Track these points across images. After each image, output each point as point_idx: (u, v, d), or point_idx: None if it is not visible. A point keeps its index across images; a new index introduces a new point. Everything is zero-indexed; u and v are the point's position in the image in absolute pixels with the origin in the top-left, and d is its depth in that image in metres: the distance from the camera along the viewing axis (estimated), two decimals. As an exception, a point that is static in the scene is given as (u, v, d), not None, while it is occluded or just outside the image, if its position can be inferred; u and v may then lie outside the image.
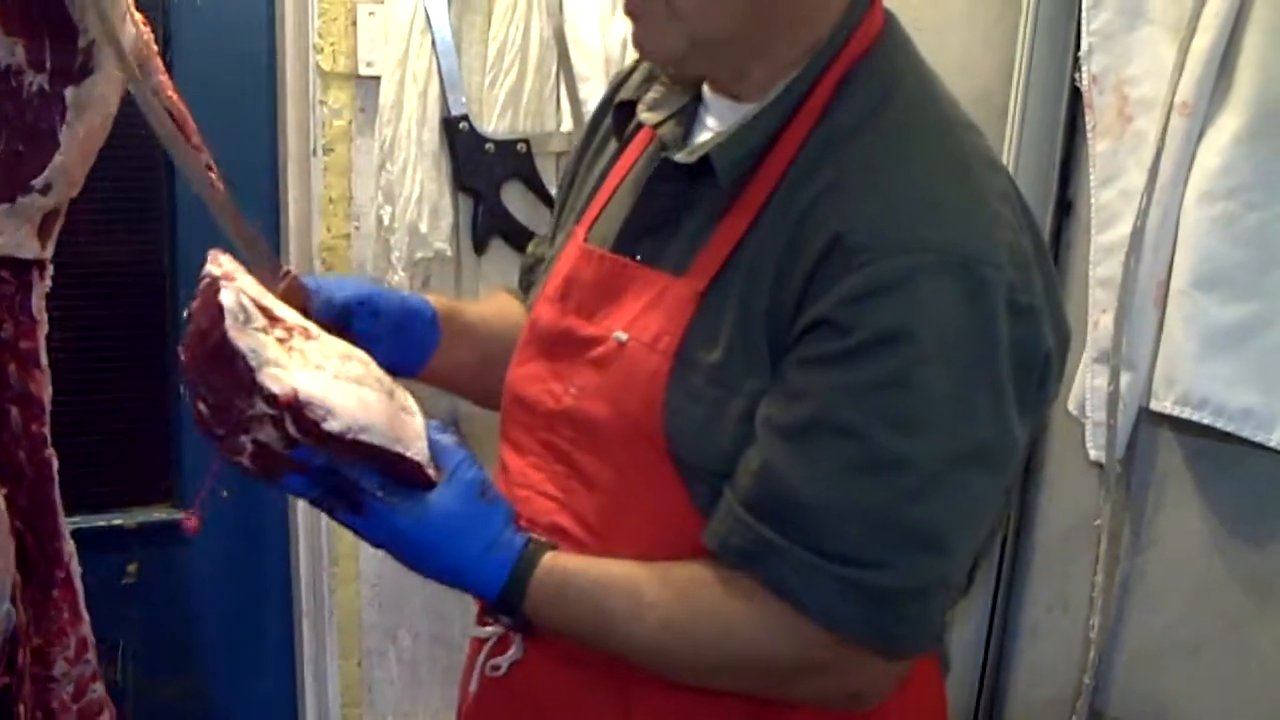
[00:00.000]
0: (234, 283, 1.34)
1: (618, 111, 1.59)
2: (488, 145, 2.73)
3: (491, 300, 1.81)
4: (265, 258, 1.48)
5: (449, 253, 2.72)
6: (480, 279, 2.79)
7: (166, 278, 2.69)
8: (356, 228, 2.73)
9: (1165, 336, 1.82)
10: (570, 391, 1.45)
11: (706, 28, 1.34)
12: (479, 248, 2.78)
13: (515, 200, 2.81)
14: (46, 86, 1.72)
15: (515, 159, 2.77)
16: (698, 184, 1.40)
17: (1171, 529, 1.87)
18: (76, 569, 1.84)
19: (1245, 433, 1.74)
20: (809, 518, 1.28)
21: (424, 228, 2.66)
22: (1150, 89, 1.90)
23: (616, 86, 1.65)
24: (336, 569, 2.81)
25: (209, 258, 1.38)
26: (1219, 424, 1.75)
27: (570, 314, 1.49)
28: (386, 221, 2.66)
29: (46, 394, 1.74)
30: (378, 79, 2.69)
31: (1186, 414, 1.77)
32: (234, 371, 1.27)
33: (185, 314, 1.36)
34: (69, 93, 1.73)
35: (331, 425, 1.27)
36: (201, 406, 1.30)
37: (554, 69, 2.79)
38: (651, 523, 1.41)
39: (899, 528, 1.28)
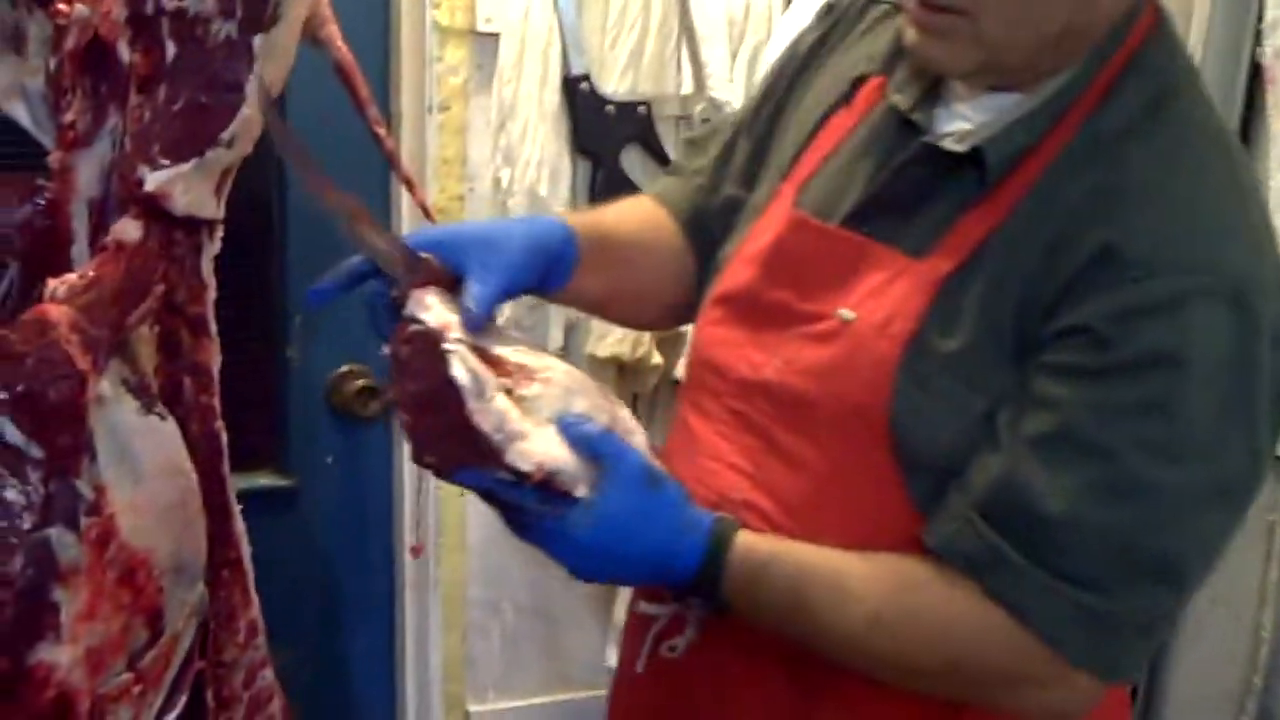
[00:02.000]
0: (453, 338, 1.33)
1: (838, 55, 1.60)
2: (608, 107, 2.72)
3: (636, 213, 1.76)
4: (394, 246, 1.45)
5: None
6: (596, 245, 2.78)
7: (276, 232, 2.67)
8: (471, 189, 2.72)
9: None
10: (775, 364, 1.45)
11: (1008, 52, 1.34)
12: (597, 213, 2.77)
13: (634, 165, 2.80)
14: (235, 35, 1.71)
15: (635, 122, 2.76)
16: (949, 169, 1.40)
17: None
18: (247, 549, 1.84)
19: None
20: (1049, 534, 1.29)
21: (543, 191, 2.66)
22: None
23: (828, 29, 1.65)
24: (443, 540, 2.82)
25: (413, 300, 1.38)
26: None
27: (782, 284, 1.48)
28: (505, 184, 2.66)
29: (216, 363, 1.74)
30: (496, 36, 2.68)
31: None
32: (477, 448, 1.29)
33: (388, 354, 1.37)
34: (257, 41, 1.72)
35: (580, 491, 1.31)
36: (428, 459, 1.33)
37: (675, 29, 2.78)
38: (860, 511, 1.41)
39: (1139, 556, 1.28)
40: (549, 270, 1.51)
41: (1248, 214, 1.35)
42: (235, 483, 1.81)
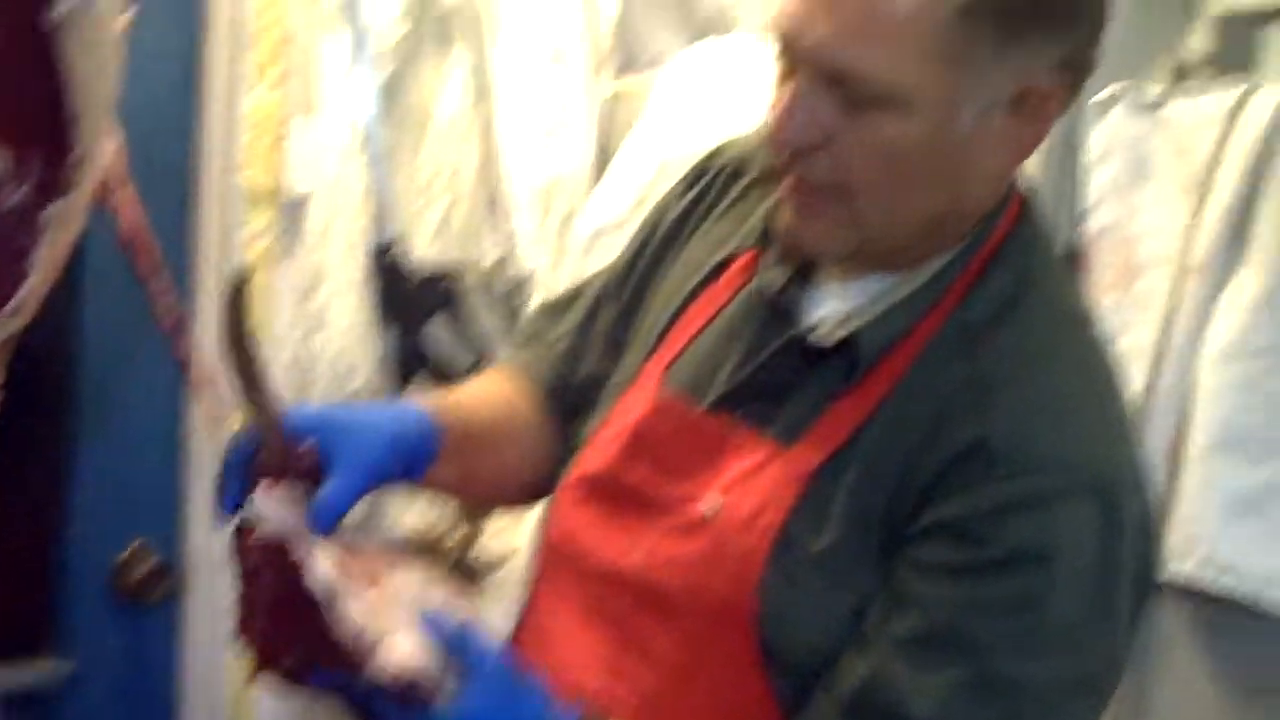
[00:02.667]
0: (303, 542, 1.27)
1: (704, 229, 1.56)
2: (416, 275, 2.69)
3: (496, 393, 1.68)
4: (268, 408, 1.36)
5: (375, 387, 2.66)
6: (402, 416, 2.74)
7: (63, 394, 2.56)
8: (273, 359, 2.65)
9: (1182, 500, 1.86)
10: (637, 553, 1.40)
11: (884, 235, 1.33)
12: (403, 383, 2.73)
13: (440, 334, 2.76)
14: (28, 201, 1.64)
15: (444, 290, 2.74)
16: (819, 357, 1.37)
17: (1174, 698, 1.90)
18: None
19: (1265, 599, 1.78)
20: None
21: (351, 360, 2.61)
22: (1158, 246, 1.97)
23: (695, 198, 1.62)
24: (235, 732, 2.69)
25: (261, 499, 1.30)
26: (1239, 590, 1.79)
27: (644, 468, 1.43)
28: (314, 350, 2.59)
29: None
30: (304, 201, 2.64)
31: (1208, 579, 1.81)
32: (333, 655, 1.23)
33: (232, 556, 1.29)
34: (50, 208, 1.65)
35: (440, 695, 1.24)
36: (278, 665, 1.27)
37: (484, 198, 2.78)
38: (722, 710, 1.36)
39: None
40: (410, 463, 1.46)
41: (1111, 407, 1.36)
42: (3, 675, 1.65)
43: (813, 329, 1.37)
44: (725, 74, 2.63)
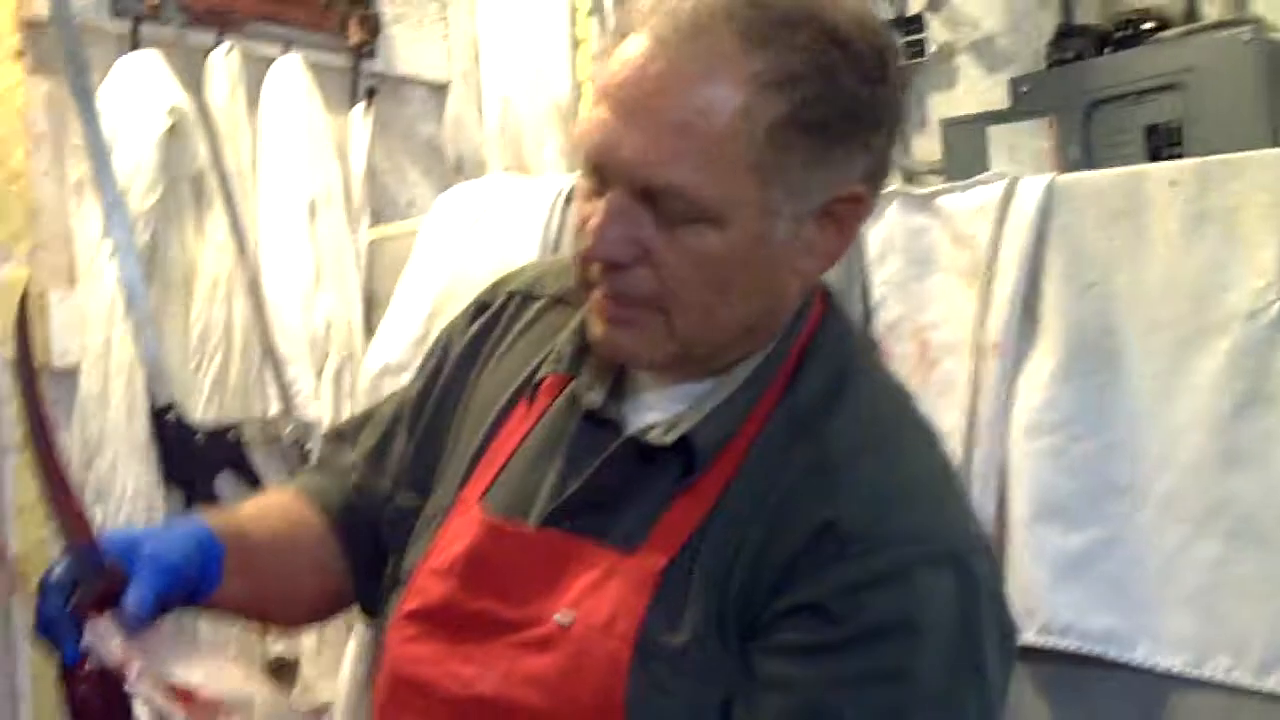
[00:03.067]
0: (135, 673, 1.27)
1: (500, 356, 1.58)
2: (198, 435, 2.64)
3: (275, 509, 1.65)
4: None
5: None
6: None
7: None
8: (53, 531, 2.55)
9: (1013, 570, 1.95)
10: (491, 677, 1.37)
11: (699, 343, 1.35)
12: (194, 546, 2.65)
13: (228, 490, 2.71)
14: None
15: (227, 447, 2.69)
16: (651, 460, 1.38)
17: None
18: None
19: (1111, 654, 1.88)
20: None
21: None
22: (952, 333, 2.07)
23: (486, 326, 1.62)
24: None
25: (91, 630, 1.28)
26: (1084, 649, 1.88)
27: (484, 593, 1.41)
28: (100, 520, 2.50)
29: None
30: (75, 370, 2.57)
31: (1051, 643, 1.90)
32: None
33: (63, 691, 1.28)
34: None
35: None
36: None
37: (258, 352, 2.74)
38: None
39: None
40: (203, 570, 1.42)
41: (949, 480, 1.42)
42: None
43: (645, 432, 1.38)
44: (487, 211, 2.66)
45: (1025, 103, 2.66)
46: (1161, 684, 1.88)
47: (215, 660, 1.36)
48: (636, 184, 1.28)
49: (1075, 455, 1.93)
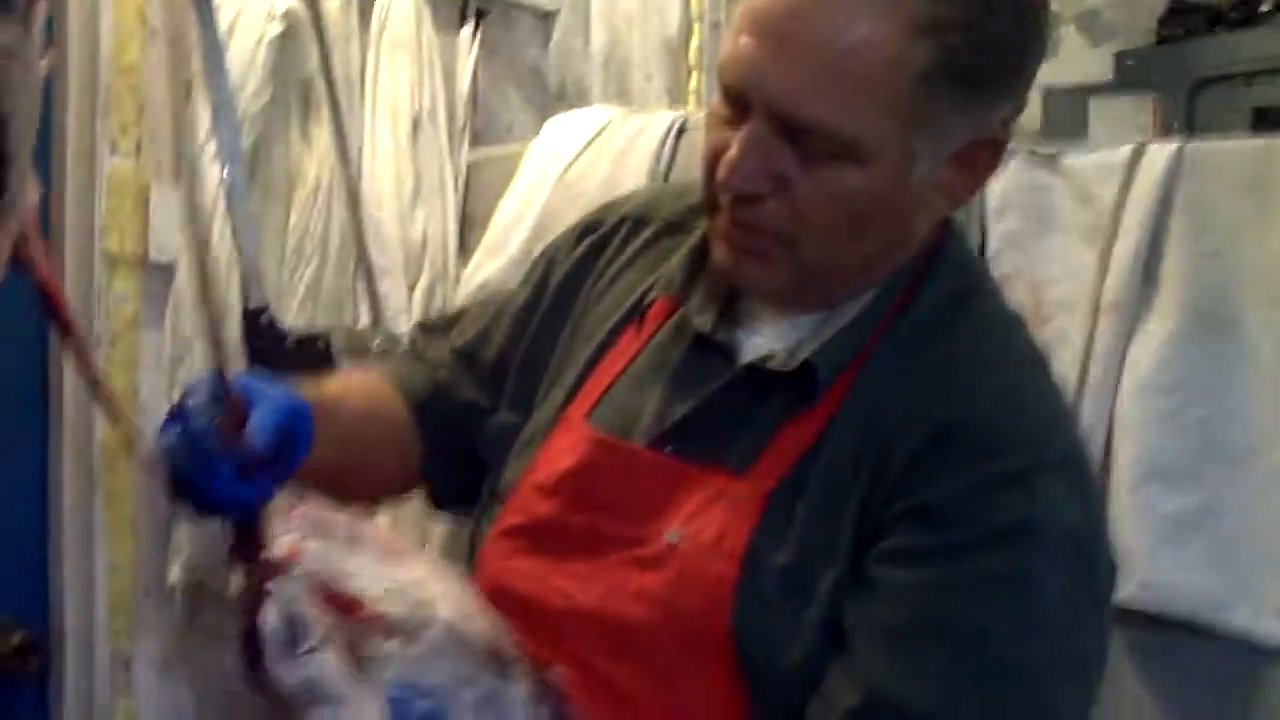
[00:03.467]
0: (297, 571, 1.21)
1: (611, 278, 1.58)
2: (287, 340, 2.65)
3: (361, 388, 1.66)
4: None
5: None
6: (274, 484, 2.68)
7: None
8: (140, 429, 2.56)
9: (1116, 529, 1.95)
10: (595, 591, 1.38)
11: (825, 275, 1.36)
12: (276, 450, 2.67)
13: (313, 399, 2.72)
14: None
15: (315, 355, 2.69)
16: (766, 386, 1.39)
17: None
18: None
19: (1208, 620, 1.88)
20: None
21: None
22: (1068, 290, 2.08)
23: (594, 249, 1.62)
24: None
25: (269, 519, 1.26)
26: (1182, 612, 1.89)
27: (590, 510, 1.42)
28: (188, 420, 2.51)
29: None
30: (169, 266, 2.58)
31: (1148, 604, 1.90)
32: (278, 700, 1.18)
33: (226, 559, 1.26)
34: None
35: None
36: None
37: (353, 262, 2.75)
38: None
39: None
40: (300, 431, 1.40)
41: (1059, 394, 1.43)
42: None
43: (765, 359, 1.39)
44: (596, 141, 2.67)
45: (1129, 76, 2.65)
46: (1255, 654, 1.89)
47: (413, 569, 1.30)
48: (780, 117, 1.27)
49: (1187, 419, 1.94)
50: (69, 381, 2.52)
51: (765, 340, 1.42)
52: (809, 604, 1.31)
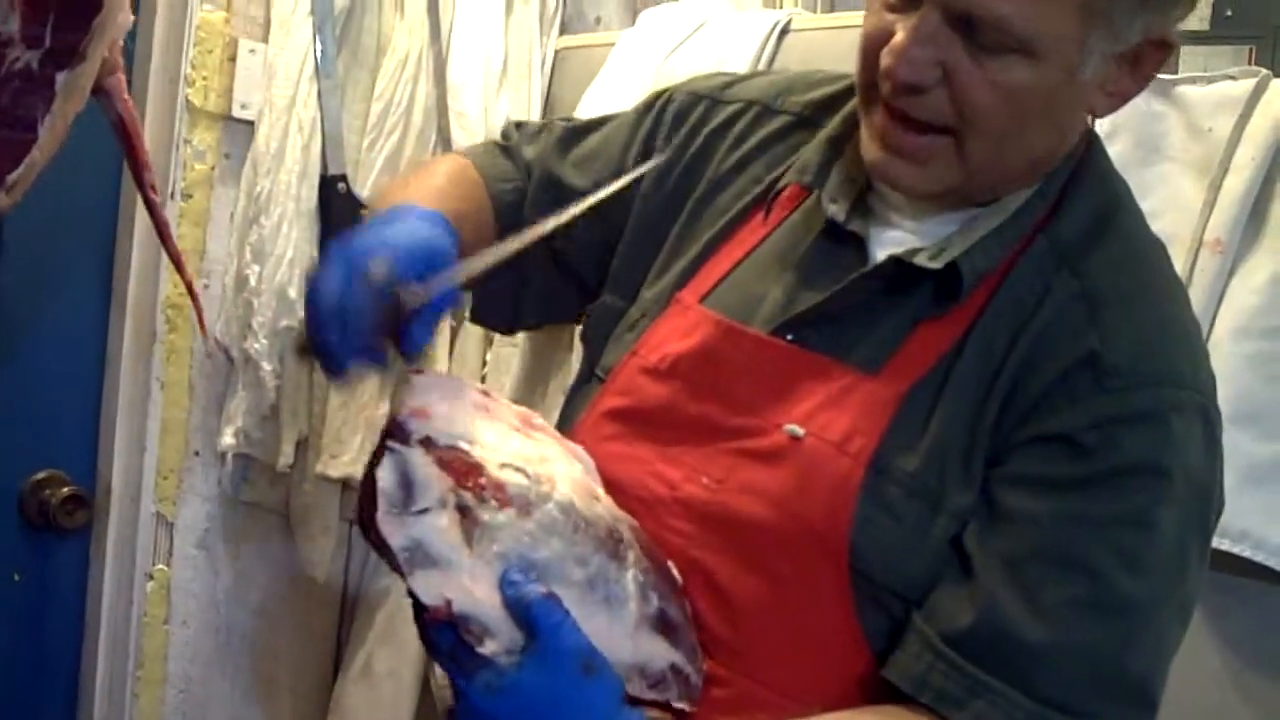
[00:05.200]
0: (422, 433, 1.21)
1: (735, 165, 1.56)
2: (364, 211, 2.63)
3: (470, 196, 1.63)
4: None
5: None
6: (336, 357, 2.67)
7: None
8: (205, 286, 2.57)
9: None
10: (701, 481, 1.37)
11: (988, 173, 1.34)
12: (341, 321, 2.66)
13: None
14: (36, 67, 1.56)
15: (389, 230, 2.68)
16: (903, 284, 1.37)
17: (1180, 661, 1.95)
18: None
19: (1281, 568, 1.86)
20: (1029, 659, 1.25)
21: (293, 293, 2.54)
22: (1171, 223, 2.03)
23: (696, 102, 1.61)
24: (141, 672, 2.60)
25: (403, 382, 1.25)
26: (1259, 558, 1.86)
27: (703, 396, 1.41)
28: (253, 282, 2.52)
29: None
30: (249, 123, 2.58)
31: (1225, 546, 1.87)
32: (391, 559, 1.18)
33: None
34: (61, 77, 1.58)
35: (489, 648, 1.17)
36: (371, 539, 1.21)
37: (434, 138, 2.74)
38: (807, 642, 1.34)
39: (1118, 677, 1.27)
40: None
41: (1199, 331, 1.42)
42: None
43: (910, 254, 1.37)
44: (694, 36, 2.64)
45: (1226, 27, 2.60)
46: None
47: (541, 445, 1.30)
48: (956, 8, 1.26)
49: (1281, 366, 1.91)
50: (138, 234, 2.53)
51: (902, 235, 1.41)
52: (936, 516, 1.31)
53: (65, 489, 2.50)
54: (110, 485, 2.57)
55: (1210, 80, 2.06)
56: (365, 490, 1.20)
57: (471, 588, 1.17)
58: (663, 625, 1.27)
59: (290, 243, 2.54)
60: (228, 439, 2.62)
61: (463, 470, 1.21)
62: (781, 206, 1.50)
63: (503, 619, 1.17)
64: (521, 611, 1.17)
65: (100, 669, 2.58)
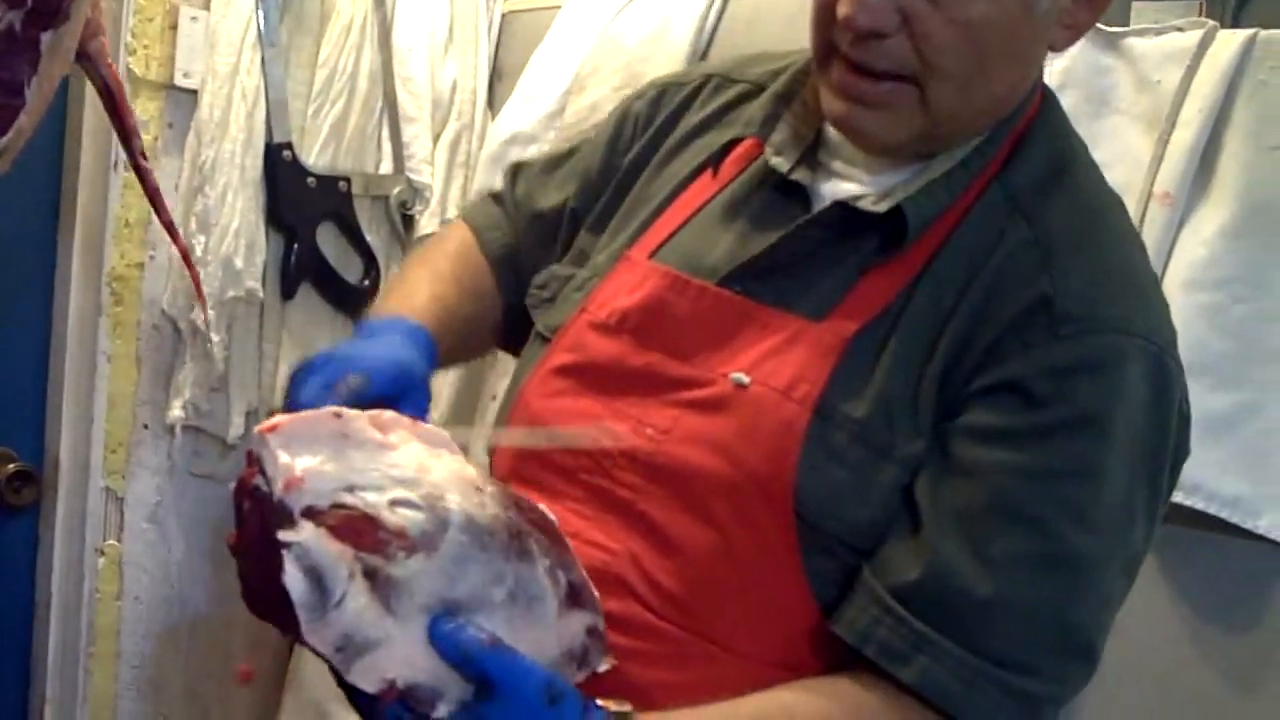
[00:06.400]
0: (302, 507, 1.11)
1: (690, 132, 1.57)
2: (309, 179, 2.63)
3: (466, 278, 1.65)
4: None
5: (260, 294, 2.58)
6: (284, 328, 2.67)
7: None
8: (152, 256, 2.56)
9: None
10: (646, 433, 1.36)
11: (951, 119, 1.34)
12: (288, 292, 2.66)
13: (329, 243, 2.71)
14: (19, 28, 1.54)
15: (335, 197, 2.68)
16: (849, 231, 1.37)
17: (1137, 615, 1.96)
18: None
19: (1235, 519, 1.88)
20: (975, 613, 1.26)
21: (239, 263, 2.52)
22: (1121, 176, 2.03)
23: (674, 110, 1.61)
24: (94, 648, 2.58)
25: (256, 439, 1.16)
26: (1211, 509, 1.88)
27: (651, 347, 1.40)
28: (199, 253, 2.50)
29: None
30: (192, 92, 2.55)
31: (1179, 499, 1.89)
32: (319, 653, 1.11)
33: (234, 494, 1.18)
34: (45, 38, 1.56)
35: (441, 710, 1.12)
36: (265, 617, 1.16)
37: (379, 106, 2.73)
38: (753, 594, 1.33)
39: (1061, 631, 1.28)
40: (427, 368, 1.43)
41: (1154, 277, 1.42)
42: None
43: (855, 200, 1.37)
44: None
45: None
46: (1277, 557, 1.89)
47: (407, 451, 1.21)
48: None
49: (1232, 316, 1.91)
50: (81, 207, 2.51)
51: (847, 184, 1.41)
52: (883, 463, 1.30)
53: (12, 465, 2.48)
54: (58, 461, 2.55)
55: (1159, 33, 2.07)
56: (273, 599, 1.11)
57: (407, 656, 1.11)
58: (573, 596, 1.23)
59: (236, 212, 2.53)
60: (176, 411, 2.61)
61: (358, 531, 1.12)
62: (732, 164, 1.50)
63: (447, 675, 1.12)
64: (467, 665, 1.13)
65: (52, 646, 2.57)
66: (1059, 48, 1.38)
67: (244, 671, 1.39)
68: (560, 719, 1.14)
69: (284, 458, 1.13)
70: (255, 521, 1.13)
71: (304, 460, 1.13)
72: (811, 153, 1.45)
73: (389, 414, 1.23)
